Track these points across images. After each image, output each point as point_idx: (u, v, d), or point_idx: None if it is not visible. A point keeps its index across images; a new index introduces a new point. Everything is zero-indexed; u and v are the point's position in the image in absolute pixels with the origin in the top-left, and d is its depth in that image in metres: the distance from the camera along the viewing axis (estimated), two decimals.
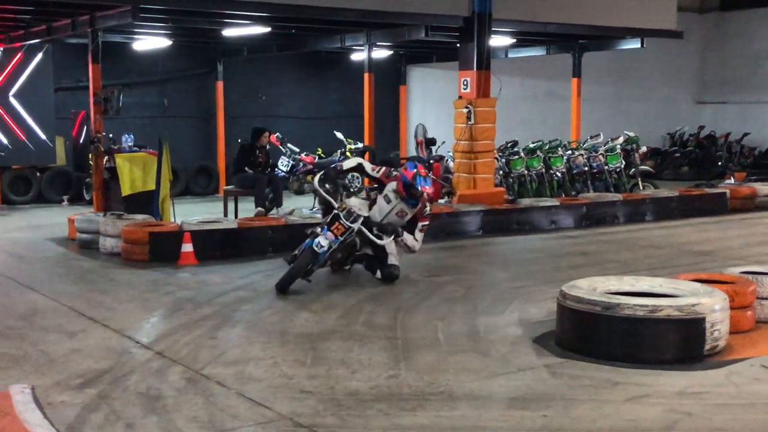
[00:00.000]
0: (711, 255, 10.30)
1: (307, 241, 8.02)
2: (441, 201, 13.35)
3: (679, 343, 5.80)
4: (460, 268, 9.74)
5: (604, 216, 13.36)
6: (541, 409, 4.92)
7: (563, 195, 14.57)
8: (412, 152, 19.13)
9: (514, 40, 17.21)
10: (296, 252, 8.11)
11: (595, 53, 18.16)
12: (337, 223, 7.92)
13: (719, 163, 20.75)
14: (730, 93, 22.98)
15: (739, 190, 15.09)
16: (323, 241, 7.88)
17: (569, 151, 15.47)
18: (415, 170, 8.19)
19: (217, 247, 10.08)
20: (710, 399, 5.11)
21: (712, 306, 5.85)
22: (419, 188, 8.19)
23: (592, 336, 5.95)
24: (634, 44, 16.52)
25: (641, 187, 15.39)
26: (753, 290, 6.62)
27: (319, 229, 7.99)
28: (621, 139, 15.63)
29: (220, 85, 18.85)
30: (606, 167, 15.19)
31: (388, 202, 8.39)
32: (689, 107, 23.60)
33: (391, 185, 8.42)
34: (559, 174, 15.00)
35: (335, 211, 8.01)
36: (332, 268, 8.67)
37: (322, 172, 8.43)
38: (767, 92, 22.12)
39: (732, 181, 16.79)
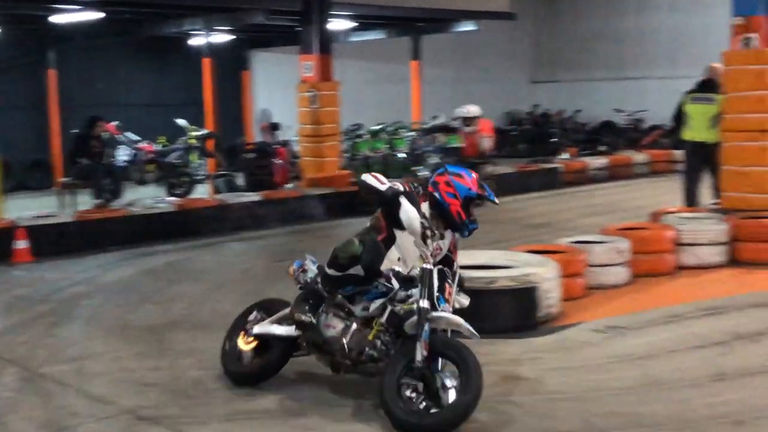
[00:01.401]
0: (546, 227, 10.77)
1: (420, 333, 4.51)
2: (289, 186, 13.41)
3: (515, 312, 6.09)
4: (309, 251, 9.75)
5: None
6: None
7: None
8: (259, 138, 18.98)
9: (355, 24, 17.34)
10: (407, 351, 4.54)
11: (436, 36, 18.53)
12: (447, 287, 4.76)
13: (553, 140, 21.57)
14: (563, 72, 23.99)
15: (572, 165, 15.86)
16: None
17: (412, 133, 15.76)
18: (473, 176, 4.98)
19: (54, 242, 9.74)
20: (544, 364, 5.37)
21: (545, 275, 6.16)
22: (495, 201, 5.00)
23: None
24: (469, 26, 16.99)
25: None
26: (583, 259, 7.01)
27: (424, 303, 4.53)
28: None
29: (52, 73, 17.98)
30: None
31: None
32: (525, 87, 24.48)
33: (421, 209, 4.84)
34: (403, 155, 15.27)
35: (434, 268, 4.66)
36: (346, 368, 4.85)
37: (409, 208, 4.67)
38: (597, 70, 23.24)
39: (566, 156, 17.53)
